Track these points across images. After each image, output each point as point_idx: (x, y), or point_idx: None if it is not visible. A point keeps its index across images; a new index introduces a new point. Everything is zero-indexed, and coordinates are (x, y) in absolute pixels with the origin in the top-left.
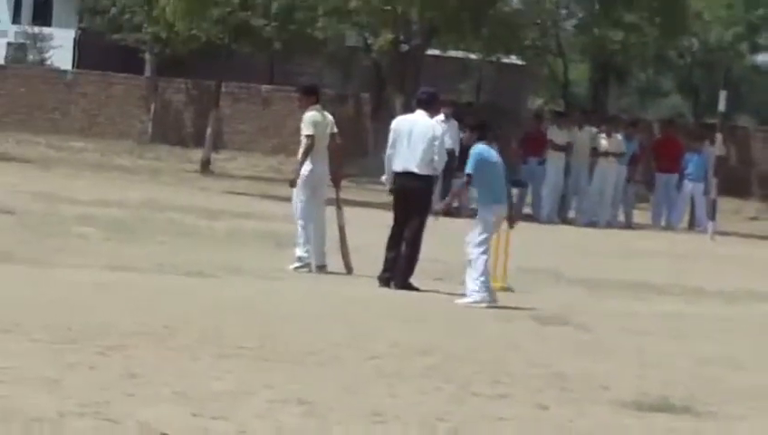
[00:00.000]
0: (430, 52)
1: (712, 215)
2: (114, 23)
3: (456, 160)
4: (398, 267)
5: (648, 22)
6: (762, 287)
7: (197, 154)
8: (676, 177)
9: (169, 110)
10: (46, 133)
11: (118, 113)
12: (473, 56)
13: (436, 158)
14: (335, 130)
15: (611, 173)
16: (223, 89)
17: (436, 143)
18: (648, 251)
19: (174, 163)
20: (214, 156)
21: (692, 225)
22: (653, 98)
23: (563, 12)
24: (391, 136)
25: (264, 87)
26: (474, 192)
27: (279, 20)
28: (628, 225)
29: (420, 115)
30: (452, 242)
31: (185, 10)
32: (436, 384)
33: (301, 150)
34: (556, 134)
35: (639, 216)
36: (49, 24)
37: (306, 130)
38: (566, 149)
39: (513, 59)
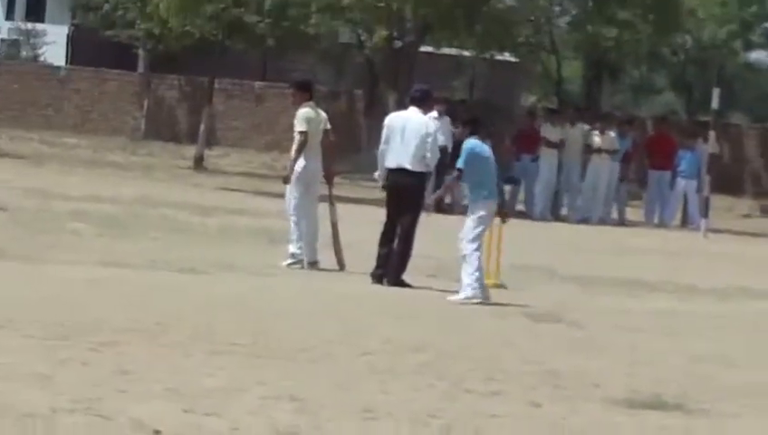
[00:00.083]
0: (423, 48)
1: (705, 212)
2: (107, 19)
3: (448, 157)
4: (391, 264)
5: (641, 19)
6: (754, 285)
7: (191, 150)
8: (668, 174)
9: (162, 106)
10: (39, 129)
11: (111, 109)
12: (466, 53)
13: (428, 154)
14: (328, 126)
15: (604, 170)
16: (216, 85)
17: (429, 140)
18: (640, 248)
19: (167, 159)
20: (207, 152)
21: (685, 222)
22: (646, 95)
23: (557, 9)
24: (384, 132)
25: (258, 84)
26: (465, 188)
27: (272, 16)
28: (622, 222)
29: (413, 112)
30: (445, 238)
31: (178, 6)
32: (429, 381)
33: (294, 147)
34: (550, 131)
35: (632, 213)
36: (42, 21)
37: (299, 126)
38: (559, 146)
39: (507, 56)
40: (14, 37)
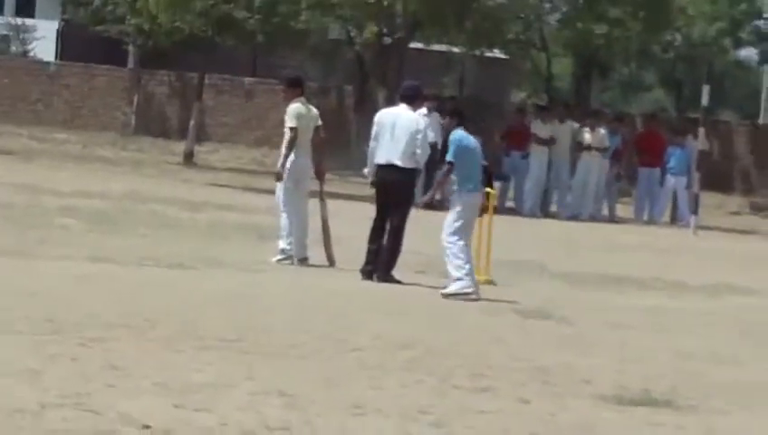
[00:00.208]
0: (413, 45)
1: (694, 209)
2: (97, 14)
3: (438, 153)
4: (381, 260)
5: (631, 16)
6: (744, 282)
7: (180, 146)
8: (658, 171)
9: (152, 102)
10: (29, 125)
11: (101, 105)
12: (456, 50)
13: (418, 151)
14: (319, 123)
15: (594, 167)
16: (206, 81)
17: (419, 136)
18: (630, 245)
19: (156, 155)
20: (197, 148)
21: (674, 219)
22: (636, 92)
23: (547, 6)
24: (374, 129)
25: (247, 79)
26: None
27: (262, 13)
28: (612, 219)
29: (403, 109)
30: (434, 235)
31: (168, 2)
32: (418, 377)
33: (284, 143)
34: (540, 128)
35: (622, 210)
36: (32, 16)
37: (289, 122)
38: (549, 142)
39: (497, 53)
40: (4, 33)
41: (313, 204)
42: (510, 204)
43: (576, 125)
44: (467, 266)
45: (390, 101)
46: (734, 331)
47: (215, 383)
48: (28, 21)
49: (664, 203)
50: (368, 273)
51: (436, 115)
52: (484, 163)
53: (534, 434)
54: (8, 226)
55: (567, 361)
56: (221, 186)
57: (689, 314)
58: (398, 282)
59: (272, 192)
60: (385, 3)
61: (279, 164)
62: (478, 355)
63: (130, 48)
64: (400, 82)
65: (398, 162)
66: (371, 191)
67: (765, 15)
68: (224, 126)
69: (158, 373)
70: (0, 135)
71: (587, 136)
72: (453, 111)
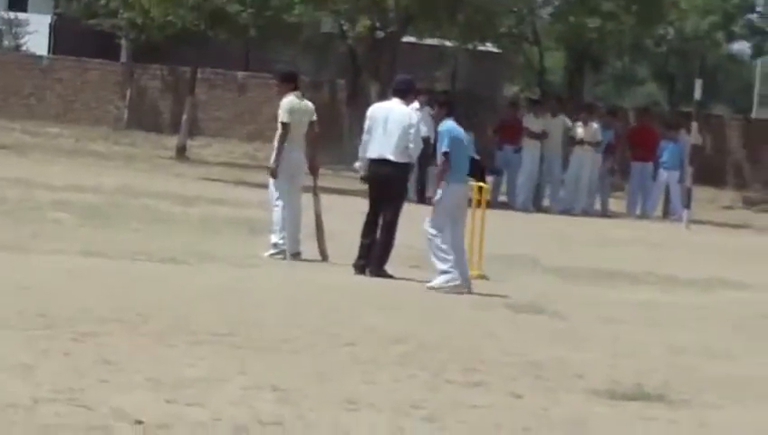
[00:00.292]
0: (406, 39)
1: (687, 203)
2: (90, 8)
3: (431, 148)
4: (374, 254)
5: (624, 10)
6: (736, 276)
7: (173, 140)
8: (651, 165)
9: (145, 96)
10: (22, 119)
11: (93, 99)
12: (449, 44)
13: (411, 145)
14: (314, 118)
15: (587, 161)
16: (198, 75)
17: (412, 131)
18: (623, 239)
19: (149, 149)
20: (189, 142)
21: (666, 213)
22: (629, 86)
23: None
24: (367, 123)
25: (240, 73)
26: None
27: (255, 6)
28: (605, 213)
29: (396, 103)
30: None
31: None
32: (411, 372)
33: (276, 138)
34: (532, 122)
35: (614, 204)
36: (25, 10)
37: (281, 117)
38: (541, 136)
39: (489, 47)
40: None
41: (307, 199)
42: (503, 198)
43: (568, 121)
44: (451, 258)
45: (383, 96)
46: (726, 325)
47: (207, 378)
48: (21, 15)
49: (656, 197)
50: (360, 267)
51: (428, 109)
52: (475, 156)
53: (527, 428)
54: (1, 220)
55: (559, 355)
56: (213, 180)
57: (682, 309)
58: (391, 277)
59: (264, 186)
60: None
61: (272, 160)
62: (471, 350)
63: (123, 42)
64: (393, 76)
65: (391, 157)
66: (364, 186)
67: (758, 9)
68: (216, 120)
69: (150, 368)
70: None
71: (579, 130)
72: (442, 102)
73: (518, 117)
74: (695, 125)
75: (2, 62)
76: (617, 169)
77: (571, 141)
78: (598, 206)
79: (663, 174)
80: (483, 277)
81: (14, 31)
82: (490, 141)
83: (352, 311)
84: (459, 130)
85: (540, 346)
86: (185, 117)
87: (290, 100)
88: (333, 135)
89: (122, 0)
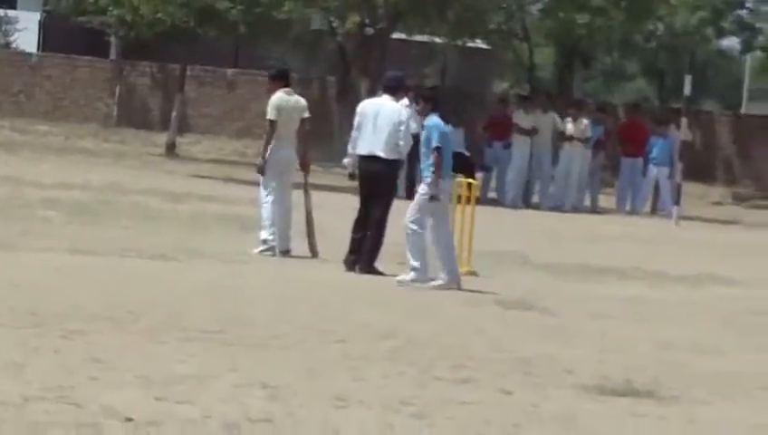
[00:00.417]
0: (396, 35)
1: (677, 199)
2: (79, 5)
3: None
4: (364, 251)
5: (613, 6)
6: (725, 272)
7: (162, 137)
8: (641, 161)
9: (134, 93)
10: (11, 116)
11: (82, 96)
12: (438, 40)
13: (401, 142)
14: (306, 114)
15: (577, 157)
16: (188, 72)
17: (402, 128)
18: (612, 235)
19: (138, 146)
20: (179, 139)
21: (655, 209)
22: (618, 82)
23: None
24: (357, 119)
25: (230, 70)
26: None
27: (244, 3)
28: (594, 209)
29: (386, 99)
30: None
31: None
32: (400, 368)
33: (265, 135)
34: (522, 118)
35: (604, 200)
36: (14, 7)
37: (268, 114)
38: (531, 133)
39: (479, 43)
40: None
41: (297, 195)
42: (492, 195)
43: (557, 118)
44: (418, 256)
45: (373, 92)
46: (716, 321)
47: (197, 375)
48: (10, 12)
49: (646, 193)
50: (351, 263)
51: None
52: (465, 152)
53: (516, 425)
54: None
55: (549, 351)
56: (203, 177)
57: (671, 305)
58: (381, 273)
59: (253, 183)
60: None
61: (260, 157)
62: (460, 346)
63: (112, 39)
64: (383, 73)
65: (381, 153)
66: (353, 183)
67: (748, 5)
68: (206, 117)
69: (140, 365)
70: None
71: (569, 126)
72: (427, 97)
73: (508, 113)
74: (684, 121)
75: None
76: (608, 166)
77: (560, 137)
78: (587, 202)
79: (653, 170)
80: (472, 274)
81: (3, 28)
82: (479, 138)
83: (342, 307)
84: (444, 126)
85: (529, 342)
86: (174, 114)
87: (278, 96)
88: (323, 132)
89: None
